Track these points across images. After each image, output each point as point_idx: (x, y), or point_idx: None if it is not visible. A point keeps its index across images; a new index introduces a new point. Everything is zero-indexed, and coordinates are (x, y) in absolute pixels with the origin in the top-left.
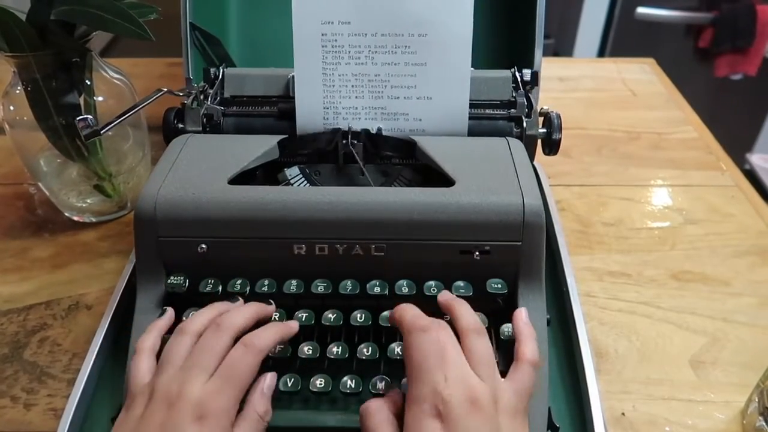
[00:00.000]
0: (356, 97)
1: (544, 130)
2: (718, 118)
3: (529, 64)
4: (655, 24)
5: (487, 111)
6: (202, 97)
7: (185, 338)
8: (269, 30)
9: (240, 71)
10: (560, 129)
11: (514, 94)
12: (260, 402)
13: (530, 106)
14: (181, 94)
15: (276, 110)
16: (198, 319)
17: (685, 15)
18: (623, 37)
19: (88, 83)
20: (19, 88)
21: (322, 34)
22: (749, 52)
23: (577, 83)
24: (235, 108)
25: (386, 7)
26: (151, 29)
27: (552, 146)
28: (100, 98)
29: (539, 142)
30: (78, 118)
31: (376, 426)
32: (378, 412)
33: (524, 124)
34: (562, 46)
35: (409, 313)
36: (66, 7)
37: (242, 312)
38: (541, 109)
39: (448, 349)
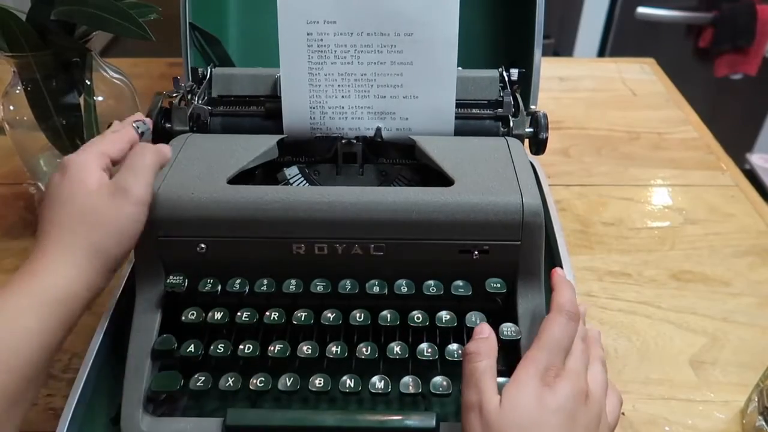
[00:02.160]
0: (342, 96)
1: (531, 130)
2: (718, 118)
3: (529, 64)
4: (655, 24)
5: (474, 111)
6: (189, 96)
7: None
8: (268, 30)
9: (227, 71)
10: (547, 128)
11: (501, 94)
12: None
13: (517, 105)
14: (174, 95)
15: (263, 110)
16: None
17: (685, 15)
18: (623, 37)
19: (88, 83)
20: (19, 88)
21: (308, 34)
22: (749, 52)
23: (577, 83)
24: (223, 108)
25: (372, 6)
26: (151, 29)
27: (539, 146)
28: (100, 98)
29: (527, 141)
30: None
31: (483, 370)
32: (488, 356)
33: (511, 124)
34: (562, 46)
35: (568, 295)
36: (66, 7)
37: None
38: (529, 108)
39: (582, 345)
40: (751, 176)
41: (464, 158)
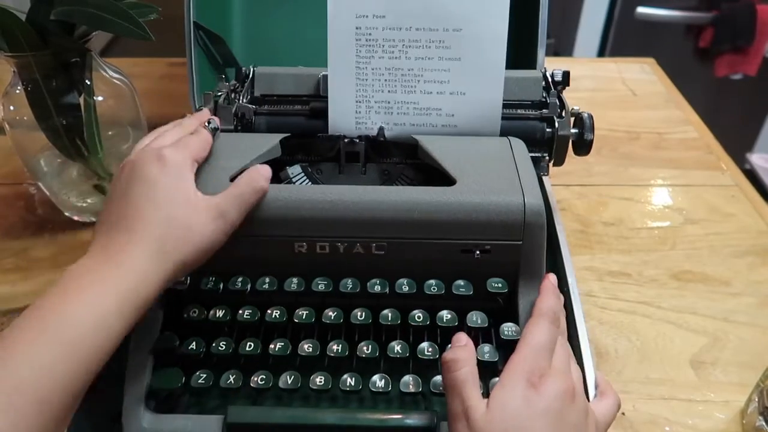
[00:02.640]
0: (389, 91)
1: (576, 131)
2: (718, 118)
3: (532, 64)
4: (655, 24)
5: (519, 111)
6: (233, 95)
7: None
8: (273, 29)
9: (270, 70)
10: (592, 129)
11: (544, 95)
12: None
13: (562, 106)
14: (218, 93)
15: (308, 109)
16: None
17: (685, 15)
18: (623, 37)
19: (88, 83)
20: (19, 88)
21: (357, 28)
22: (749, 52)
23: (577, 83)
24: (267, 107)
25: (421, 1)
26: (152, 29)
27: (584, 147)
28: (100, 98)
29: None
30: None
31: (465, 378)
32: (467, 363)
33: (556, 125)
34: (562, 45)
35: (552, 301)
36: (66, 7)
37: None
38: (572, 109)
39: (561, 340)
40: (751, 176)
41: (466, 158)
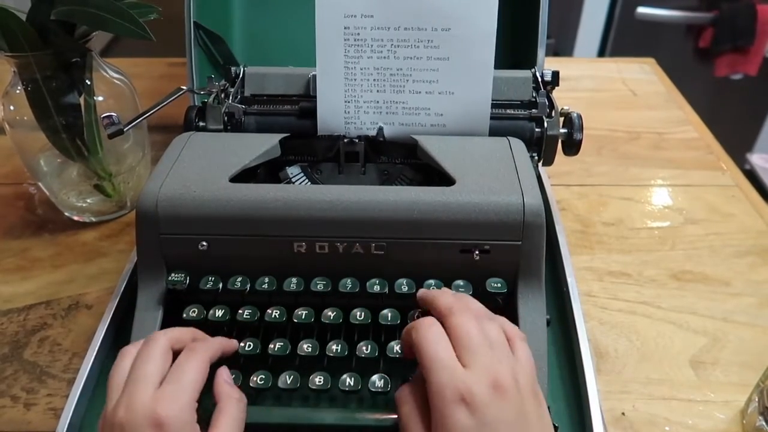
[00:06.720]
0: (377, 90)
1: (565, 131)
2: (718, 118)
3: (532, 63)
4: (655, 24)
5: (509, 111)
6: (223, 95)
7: (126, 360)
8: (273, 29)
9: (260, 70)
10: (581, 129)
11: (534, 95)
12: (231, 389)
13: (551, 106)
14: (202, 92)
15: (297, 109)
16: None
17: (685, 15)
18: (623, 37)
19: (88, 83)
20: (19, 88)
21: (345, 28)
22: (749, 52)
23: (577, 83)
24: (257, 107)
25: (410, 0)
26: (152, 29)
27: (573, 146)
28: (100, 98)
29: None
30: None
31: (406, 417)
32: (407, 400)
33: (545, 125)
34: (562, 45)
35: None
36: (66, 7)
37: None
38: (562, 109)
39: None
40: (751, 176)
41: (466, 158)
